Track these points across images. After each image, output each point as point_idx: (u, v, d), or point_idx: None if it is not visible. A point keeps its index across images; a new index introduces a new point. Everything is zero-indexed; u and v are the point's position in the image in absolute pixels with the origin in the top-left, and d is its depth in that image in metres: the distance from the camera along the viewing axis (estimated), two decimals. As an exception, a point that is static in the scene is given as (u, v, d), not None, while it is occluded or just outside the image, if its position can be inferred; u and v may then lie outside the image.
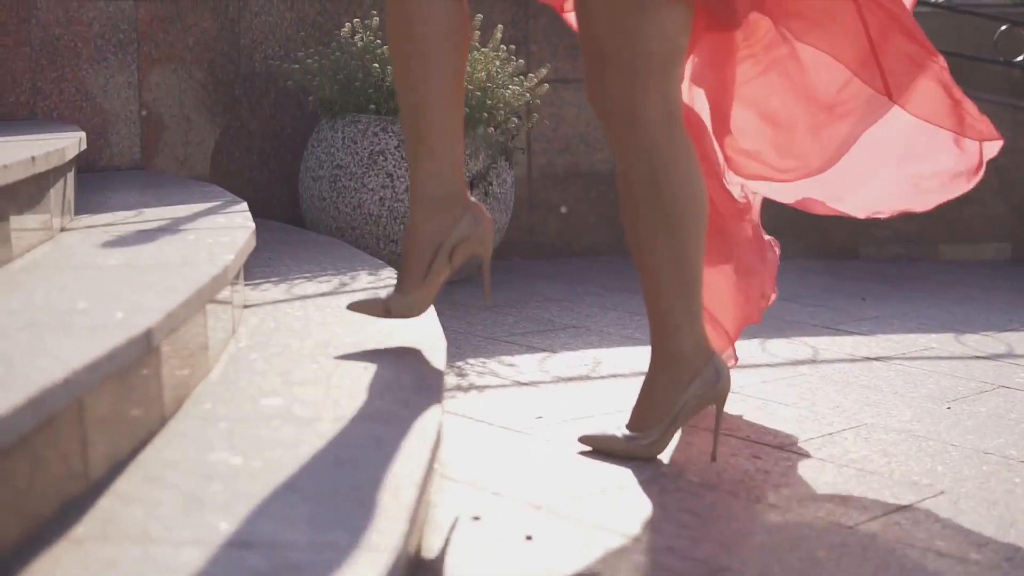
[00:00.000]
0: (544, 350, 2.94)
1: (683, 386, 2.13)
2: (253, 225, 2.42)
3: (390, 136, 3.44)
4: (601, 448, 2.17)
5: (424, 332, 2.20)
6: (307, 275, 2.76)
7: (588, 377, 2.71)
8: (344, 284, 2.65)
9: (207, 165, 3.78)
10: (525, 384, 2.64)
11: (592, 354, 2.90)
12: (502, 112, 3.51)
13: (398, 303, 2.11)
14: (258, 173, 3.86)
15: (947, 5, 4.37)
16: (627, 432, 2.17)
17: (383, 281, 2.69)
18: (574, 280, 3.90)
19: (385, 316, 2.11)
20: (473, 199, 2.14)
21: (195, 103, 3.75)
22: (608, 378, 2.72)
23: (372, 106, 3.44)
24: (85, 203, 2.76)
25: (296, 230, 3.44)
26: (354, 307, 2.14)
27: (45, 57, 3.56)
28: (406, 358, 2.08)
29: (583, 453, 2.17)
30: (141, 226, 2.46)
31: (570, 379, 2.69)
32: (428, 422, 1.75)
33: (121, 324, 1.59)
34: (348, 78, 3.50)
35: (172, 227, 2.44)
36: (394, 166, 3.44)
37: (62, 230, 2.42)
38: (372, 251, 3.45)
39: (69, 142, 2.56)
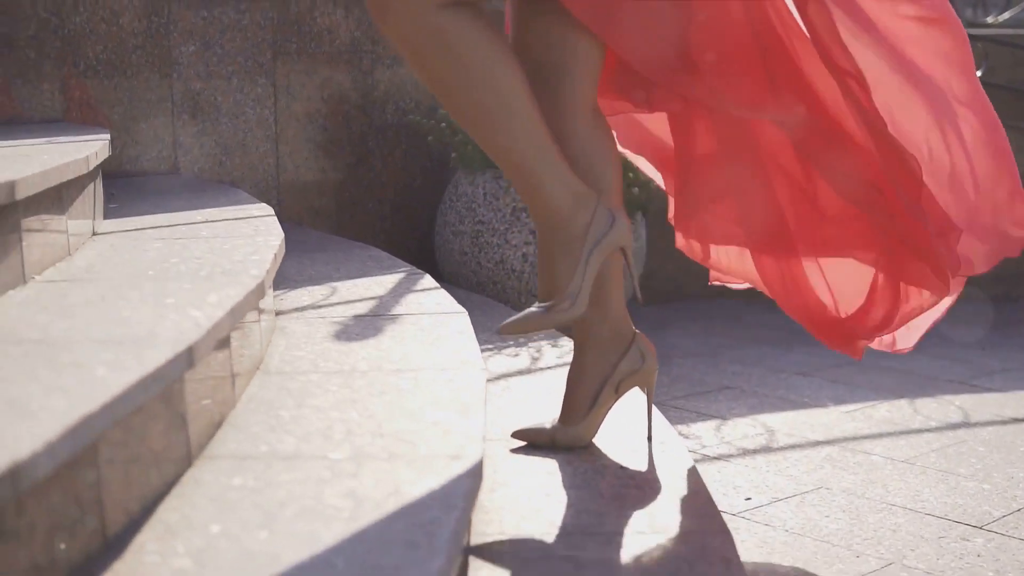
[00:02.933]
0: (713, 416, 2.99)
1: (580, 242, 2.00)
2: (464, 311, 2.47)
3: (532, 193, 3.49)
4: (524, 328, 1.99)
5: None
6: (489, 346, 2.80)
7: (769, 448, 2.78)
8: (535, 360, 2.69)
9: (340, 215, 3.82)
10: (714, 458, 2.70)
11: (761, 420, 2.96)
12: (639, 167, 3.55)
13: (564, 435, 2.11)
14: (389, 224, 3.91)
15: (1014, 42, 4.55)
16: (540, 305, 2.01)
17: (568, 355, 2.74)
18: (697, 329, 3.96)
19: (550, 446, 2.11)
20: (637, 331, 2.15)
21: (328, 155, 3.79)
22: (787, 449, 2.78)
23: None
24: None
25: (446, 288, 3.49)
26: (519, 435, 2.13)
27: (187, 112, 3.59)
28: (655, 454, 2.13)
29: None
30: (349, 309, 2.51)
31: (754, 451, 2.75)
32: (722, 541, 1.79)
33: (454, 457, 1.64)
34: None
35: (382, 311, 2.49)
36: (537, 223, 3.49)
37: (277, 314, 2.46)
38: (514, 305, 3.50)
39: (270, 219, 2.61)
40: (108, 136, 2.82)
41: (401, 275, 2.85)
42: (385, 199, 3.89)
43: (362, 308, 2.52)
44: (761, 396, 3.16)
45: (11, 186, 1.93)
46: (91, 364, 1.47)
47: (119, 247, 2.35)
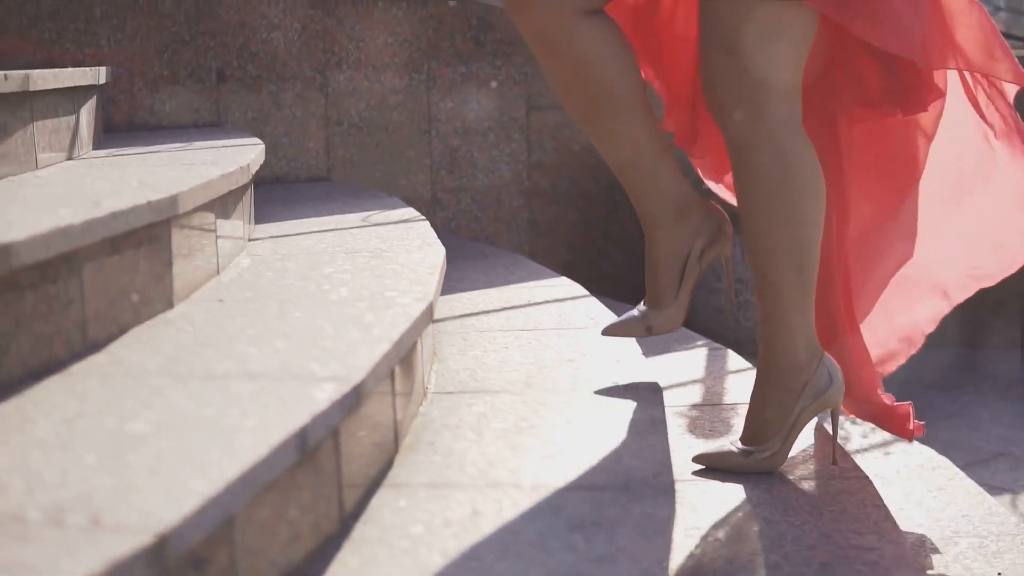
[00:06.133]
0: (1004, 490, 3.01)
1: (796, 395, 2.04)
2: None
3: (791, 252, 3.52)
4: (718, 465, 2.07)
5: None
6: (790, 422, 2.83)
7: (1075, 529, 2.79)
8: (845, 441, 2.73)
9: (588, 269, 3.88)
10: (1026, 541, 2.72)
11: (1053, 495, 2.99)
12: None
13: (657, 319, 2.14)
14: (637, 276, 3.95)
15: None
16: (741, 446, 2.08)
17: (874, 433, 2.76)
18: (937, 383, 3.96)
19: (647, 334, 2.14)
20: (701, 196, 2.14)
21: (577, 209, 3.84)
22: (1094, 529, 2.79)
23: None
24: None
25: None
26: (612, 331, 2.16)
27: (444, 168, 3.66)
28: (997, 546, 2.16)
29: (697, 473, 2.06)
30: (677, 395, 2.55)
31: (1063, 533, 2.77)
32: None
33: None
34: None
35: (714, 398, 2.53)
36: (796, 282, 3.52)
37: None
38: (770, 363, 3.54)
39: (590, 300, 2.67)
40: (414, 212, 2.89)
41: (702, 350, 2.89)
42: (631, 251, 3.94)
43: (692, 395, 2.57)
44: (1043, 466, 3.18)
45: (430, 307, 2.00)
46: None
47: (456, 335, 2.42)
